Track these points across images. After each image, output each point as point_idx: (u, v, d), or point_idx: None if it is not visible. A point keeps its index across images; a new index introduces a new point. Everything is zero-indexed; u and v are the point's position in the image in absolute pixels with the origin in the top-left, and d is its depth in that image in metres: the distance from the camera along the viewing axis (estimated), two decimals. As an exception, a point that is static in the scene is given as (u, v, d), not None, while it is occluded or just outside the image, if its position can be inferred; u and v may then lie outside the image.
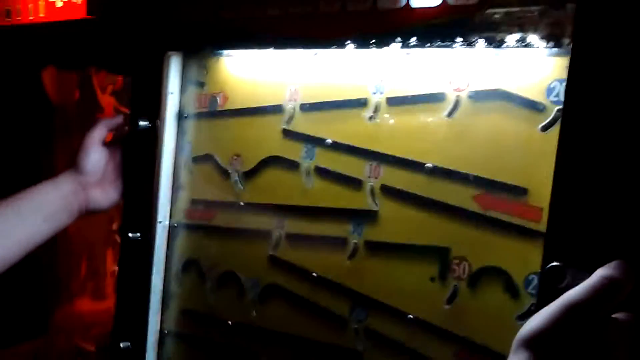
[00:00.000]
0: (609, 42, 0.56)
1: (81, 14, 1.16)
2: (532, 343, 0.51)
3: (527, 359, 0.51)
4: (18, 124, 1.64)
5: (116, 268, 1.81)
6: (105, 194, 1.01)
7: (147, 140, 1.01)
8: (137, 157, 1.02)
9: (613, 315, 0.51)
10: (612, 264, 0.52)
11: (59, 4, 1.20)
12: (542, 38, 0.62)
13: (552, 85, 0.64)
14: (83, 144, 0.99)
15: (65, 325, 1.74)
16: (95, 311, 1.77)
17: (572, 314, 0.50)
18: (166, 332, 1.02)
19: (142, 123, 1.00)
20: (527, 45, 0.63)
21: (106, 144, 1.01)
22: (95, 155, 0.99)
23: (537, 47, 0.62)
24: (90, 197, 0.99)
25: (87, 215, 1.02)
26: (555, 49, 0.63)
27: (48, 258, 1.79)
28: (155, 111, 1.00)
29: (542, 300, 0.58)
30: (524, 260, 0.66)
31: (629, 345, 0.51)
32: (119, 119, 1.05)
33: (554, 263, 0.56)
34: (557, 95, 0.64)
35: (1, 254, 0.89)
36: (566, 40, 0.60)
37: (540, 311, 0.52)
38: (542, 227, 0.64)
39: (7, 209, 0.92)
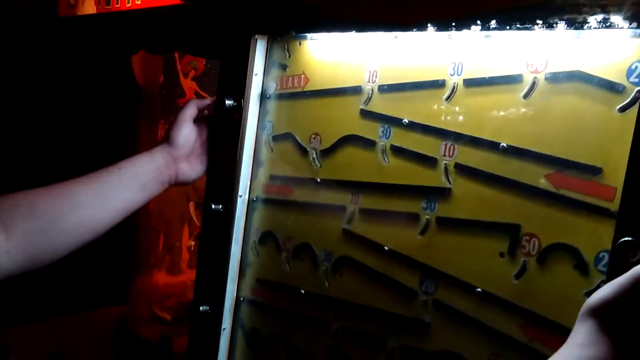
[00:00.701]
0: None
1: (175, 0, 1.24)
2: (599, 311, 0.53)
3: (593, 326, 0.53)
4: (108, 106, 1.76)
5: (192, 244, 1.92)
6: (192, 168, 1.09)
7: (232, 119, 1.07)
8: (222, 134, 1.09)
9: None
10: None
11: (156, -9, 1.29)
12: (625, 19, 0.63)
13: (633, 67, 0.65)
14: (176, 120, 1.08)
15: (144, 295, 1.86)
16: (171, 284, 1.88)
17: (639, 285, 0.52)
18: (242, 298, 1.08)
19: (228, 102, 1.07)
20: (609, 26, 0.64)
21: (195, 121, 1.09)
22: (186, 131, 1.07)
23: (621, 28, 0.63)
24: (179, 169, 1.07)
25: (176, 186, 1.10)
26: (638, 30, 0.64)
27: (130, 233, 1.91)
28: (240, 91, 1.06)
29: (613, 275, 0.60)
30: (595, 238, 0.67)
31: None
32: (207, 101, 1.13)
33: (626, 238, 0.58)
34: (637, 76, 0.65)
35: (101, 216, 0.97)
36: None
37: (610, 282, 0.54)
38: (614, 206, 0.65)
39: (110, 174, 0.99)
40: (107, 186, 0.98)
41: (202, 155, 1.10)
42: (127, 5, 1.37)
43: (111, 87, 1.79)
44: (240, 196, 1.07)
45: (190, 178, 1.09)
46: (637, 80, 0.65)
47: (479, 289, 0.77)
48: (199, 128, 1.09)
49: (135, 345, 1.76)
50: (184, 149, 1.07)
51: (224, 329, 1.08)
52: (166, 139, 1.07)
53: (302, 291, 1.00)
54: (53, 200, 0.92)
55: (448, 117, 0.82)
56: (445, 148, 0.82)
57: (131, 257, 1.90)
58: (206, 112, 1.12)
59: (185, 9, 1.18)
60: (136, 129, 1.93)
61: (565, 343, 0.55)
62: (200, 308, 1.09)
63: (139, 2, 1.35)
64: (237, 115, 1.06)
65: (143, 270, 1.91)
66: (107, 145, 1.77)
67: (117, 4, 1.40)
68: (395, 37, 0.88)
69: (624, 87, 0.66)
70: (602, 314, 0.53)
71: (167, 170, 1.05)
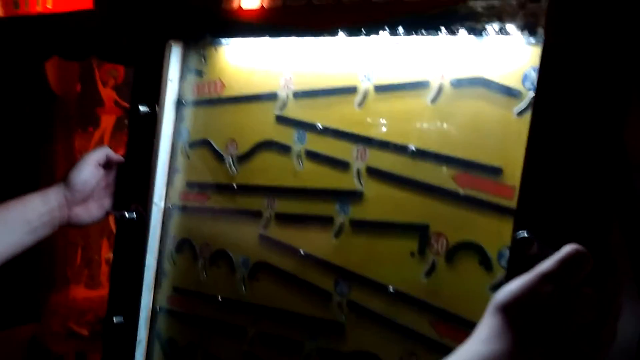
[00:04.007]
0: (579, 32, 0.61)
1: (88, 4, 1.21)
2: (506, 307, 0.55)
3: (500, 321, 0.55)
4: (20, 114, 1.69)
5: (111, 256, 1.85)
6: (88, 212, 1.03)
7: (147, 126, 1.05)
8: (136, 141, 1.07)
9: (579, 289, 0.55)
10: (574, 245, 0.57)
11: (66, -5, 1.25)
12: (518, 28, 0.67)
13: (527, 73, 0.69)
14: (78, 163, 1.01)
15: (59, 311, 1.78)
16: (90, 298, 1.81)
17: (543, 282, 0.54)
18: (159, 308, 1.06)
19: (142, 109, 1.04)
20: (505, 34, 0.68)
21: (101, 166, 1.02)
22: (86, 175, 1.00)
23: (514, 36, 0.67)
24: (72, 213, 1.01)
25: (66, 228, 1.04)
26: (532, 39, 0.68)
27: (45, 246, 1.82)
28: (155, 98, 1.04)
29: (512, 268, 0.63)
30: (498, 235, 0.70)
31: (592, 315, 0.55)
32: (120, 157, 1.06)
33: (523, 234, 0.61)
34: (532, 82, 0.69)
35: None
36: (540, 30, 0.65)
37: (515, 279, 0.56)
38: (514, 204, 0.68)
39: None
40: None
41: (103, 199, 1.05)
42: (37, 9, 1.32)
43: (24, 95, 1.71)
44: (156, 204, 1.05)
45: (84, 222, 1.04)
46: (531, 85, 0.68)
47: (391, 289, 0.78)
48: (104, 173, 1.03)
49: (48, 364, 1.68)
50: (81, 194, 1.00)
51: (139, 341, 1.05)
52: (64, 179, 1.00)
53: (220, 298, 0.98)
54: None
55: (360, 122, 0.84)
56: (358, 152, 0.83)
57: (44, 272, 1.82)
58: (114, 165, 1.05)
59: (97, 14, 1.16)
60: (52, 139, 1.85)
61: (470, 337, 0.57)
62: (114, 319, 1.05)
63: (50, 7, 1.30)
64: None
65: (59, 286, 1.83)
66: (19, 155, 1.70)
67: (27, 7, 1.34)
68: (310, 44, 0.89)
69: (520, 92, 0.70)
70: (508, 310, 0.55)
71: (59, 213, 0.99)
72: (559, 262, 0.55)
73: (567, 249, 0.56)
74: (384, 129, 0.81)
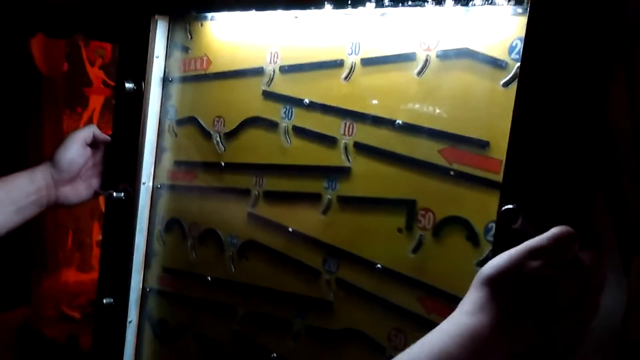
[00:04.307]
0: (565, 3, 0.59)
1: (71, -20, 1.19)
2: (492, 281, 0.55)
3: (484, 294, 0.55)
4: (5, 93, 1.66)
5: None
6: (75, 192, 1.02)
7: (133, 103, 1.03)
8: (122, 119, 1.05)
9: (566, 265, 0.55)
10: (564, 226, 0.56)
11: (49, -30, 1.22)
12: (505, -3, 0.65)
13: (514, 44, 0.68)
14: (64, 141, 1.00)
15: (51, 294, 1.77)
16: (81, 281, 1.81)
17: (530, 257, 0.54)
18: (148, 289, 1.05)
19: (128, 85, 1.03)
20: (492, 3, 0.66)
21: (88, 145, 1.01)
22: (73, 154, 0.99)
23: (501, 6, 0.66)
24: (60, 193, 1.00)
25: (55, 208, 1.03)
26: (518, 9, 0.66)
27: (35, 230, 1.81)
28: (141, 74, 1.02)
29: (499, 241, 0.62)
30: (485, 210, 0.69)
31: (577, 291, 0.55)
32: (107, 137, 1.04)
33: (508, 206, 0.60)
34: (518, 52, 0.67)
35: None
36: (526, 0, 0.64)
37: (502, 253, 0.56)
38: (501, 178, 0.67)
39: None
40: None
41: (90, 179, 1.04)
42: (20, -14, 1.29)
43: (9, 74, 1.69)
44: (144, 183, 1.04)
45: (72, 202, 1.02)
46: (517, 56, 0.67)
47: (379, 265, 0.78)
48: (91, 152, 1.02)
49: (40, 347, 1.67)
50: (68, 174, 0.99)
51: (130, 322, 1.05)
52: (51, 158, 0.99)
53: (209, 278, 0.98)
54: None
55: (347, 96, 0.83)
56: (345, 127, 0.82)
57: (34, 256, 1.81)
58: (101, 145, 1.04)
59: (81, -11, 1.13)
60: (40, 119, 1.83)
61: (455, 310, 0.57)
62: (104, 301, 1.05)
63: (32, -17, 1.28)
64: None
65: (50, 269, 1.83)
66: (7, 137, 1.68)
67: (9, -16, 1.32)
68: (296, 17, 0.88)
69: (507, 63, 0.68)
70: (494, 283, 0.55)
71: (46, 192, 0.98)
72: (547, 239, 0.55)
73: (557, 228, 0.55)
74: (371, 102, 0.80)
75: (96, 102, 1.84)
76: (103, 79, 1.85)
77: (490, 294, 0.55)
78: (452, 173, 0.72)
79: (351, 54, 0.82)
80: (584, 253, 0.55)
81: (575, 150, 0.59)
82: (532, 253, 0.54)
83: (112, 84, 1.81)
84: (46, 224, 1.86)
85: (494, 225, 0.68)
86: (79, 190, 1.03)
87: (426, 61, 0.75)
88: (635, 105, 0.63)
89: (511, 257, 0.55)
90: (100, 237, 1.84)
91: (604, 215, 0.61)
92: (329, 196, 0.84)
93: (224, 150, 0.97)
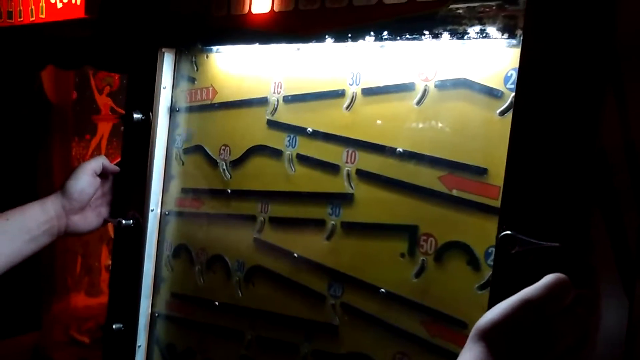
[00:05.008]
0: (556, 34, 0.62)
1: (80, 14, 1.23)
2: (487, 334, 0.55)
3: (482, 348, 0.56)
4: (17, 122, 1.70)
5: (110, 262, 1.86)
6: (86, 221, 1.04)
7: (141, 133, 1.06)
8: (131, 148, 1.08)
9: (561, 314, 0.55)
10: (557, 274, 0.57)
11: (59, 5, 1.26)
12: (498, 30, 0.68)
13: (509, 74, 0.70)
14: (75, 170, 1.02)
15: (60, 319, 1.79)
16: (90, 305, 1.82)
17: (526, 309, 0.55)
18: (157, 314, 1.07)
19: (136, 116, 1.06)
20: (485, 37, 0.69)
21: (97, 175, 1.03)
22: (83, 184, 1.01)
23: (494, 38, 0.68)
24: (70, 222, 1.02)
25: (64, 237, 1.05)
26: (513, 41, 0.69)
27: (45, 255, 1.83)
28: (149, 105, 1.05)
29: (498, 267, 0.64)
30: (485, 235, 0.71)
31: (574, 338, 0.56)
32: (116, 168, 1.07)
33: (507, 232, 0.62)
34: (513, 83, 0.70)
35: None
36: (519, 32, 0.66)
37: (498, 305, 0.56)
38: (499, 203, 0.69)
39: None
40: None
41: (100, 208, 1.06)
42: (31, 19, 1.33)
43: (20, 104, 1.73)
44: (152, 210, 1.06)
45: (82, 231, 1.05)
46: (513, 86, 0.70)
47: (383, 290, 0.80)
48: (101, 181, 1.05)
49: (51, 372, 1.69)
50: (78, 203, 1.01)
51: (139, 346, 1.06)
52: (62, 188, 1.02)
53: (216, 303, 1.00)
54: None
55: (349, 125, 0.85)
56: (347, 155, 0.85)
57: (44, 281, 1.82)
58: (110, 175, 1.07)
59: (90, 23, 1.17)
60: (49, 147, 1.87)
61: None
62: (114, 326, 1.06)
63: (43, 16, 1.32)
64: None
65: (59, 294, 1.84)
66: (17, 164, 1.71)
67: (20, 17, 1.36)
68: (298, 50, 0.91)
69: (502, 93, 0.71)
70: (490, 337, 0.55)
71: (57, 221, 1.00)
72: (541, 289, 0.55)
73: (551, 277, 0.56)
74: (372, 131, 0.82)
75: (104, 129, 1.87)
76: (111, 105, 1.88)
77: (486, 348, 0.55)
78: (448, 194, 0.74)
79: (352, 84, 0.85)
80: (579, 296, 0.56)
81: (570, 176, 0.61)
82: (526, 304, 0.55)
83: (120, 110, 1.84)
84: (55, 249, 1.88)
85: (494, 249, 0.70)
86: (88, 219, 1.05)
87: (425, 91, 0.78)
88: (626, 124, 0.65)
89: (506, 310, 0.55)
90: (108, 262, 1.86)
91: (602, 236, 0.63)
92: (333, 222, 0.86)
93: (230, 177, 1.00)
